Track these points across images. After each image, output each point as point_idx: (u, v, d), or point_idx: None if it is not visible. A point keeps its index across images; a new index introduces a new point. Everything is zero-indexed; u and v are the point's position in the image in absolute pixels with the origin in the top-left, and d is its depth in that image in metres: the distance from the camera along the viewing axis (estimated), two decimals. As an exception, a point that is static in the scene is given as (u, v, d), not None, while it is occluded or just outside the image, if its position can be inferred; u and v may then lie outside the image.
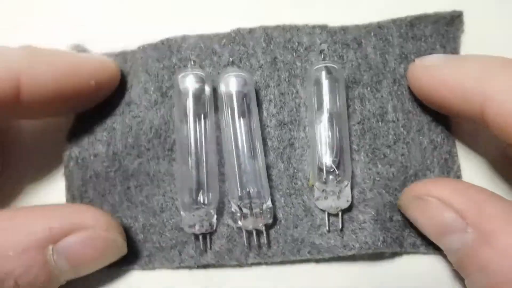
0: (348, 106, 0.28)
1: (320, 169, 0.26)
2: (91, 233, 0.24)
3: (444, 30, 0.30)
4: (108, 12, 0.32)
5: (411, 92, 0.28)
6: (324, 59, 0.28)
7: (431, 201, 0.24)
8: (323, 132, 0.26)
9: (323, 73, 0.27)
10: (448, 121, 0.29)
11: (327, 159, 0.26)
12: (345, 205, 0.26)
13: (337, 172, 0.26)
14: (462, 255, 0.22)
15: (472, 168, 0.28)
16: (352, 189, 0.27)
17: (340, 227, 0.26)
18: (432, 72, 0.26)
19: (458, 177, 0.28)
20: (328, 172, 0.26)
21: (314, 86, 0.27)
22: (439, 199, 0.23)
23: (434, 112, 0.28)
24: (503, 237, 0.21)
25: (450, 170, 0.28)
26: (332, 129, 0.26)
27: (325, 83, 0.27)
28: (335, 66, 0.27)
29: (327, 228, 0.26)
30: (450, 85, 0.25)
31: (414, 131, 0.28)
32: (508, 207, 0.22)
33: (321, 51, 0.28)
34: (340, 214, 0.26)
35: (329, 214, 0.27)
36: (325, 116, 0.26)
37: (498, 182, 0.28)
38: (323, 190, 0.26)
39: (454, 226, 0.23)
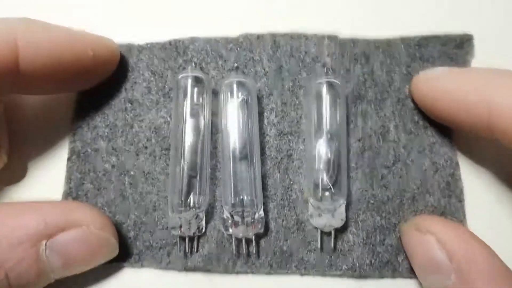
0: (350, 122, 0.28)
1: (316, 186, 0.26)
2: (85, 231, 0.24)
3: (453, 53, 0.30)
4: (113, 11, 0.32)
5: (414, 113, 0.29)
6: (326, 72, 0.28)
7: (428, 237, 0.24)
8: (321, 148, 0.26)
9: (325, 88, 0.27)
10: (452, 142, 0.28)
11: (323, 177, 0.26)
12: (339, 224, 0.26)
13: (333, 190, 0.26)
14: None
15: (475, 184, 0.28)
16: (346, 208, 0.27)
17: (333, 247, 0.27)
18: (435, 84, 0.26)
19: (460, 201, 0.28)
20: (324, 190, 0.26)
21: (315, 100, 0.27)
22: (436, 237, 0.24)
23: (437, 134, 0.28)
24: None
25: (451, 193, 0.28)
26: (331, 146, 0.26)
27: (326, 99, 0.27)
28: (338, 82, 0.27)
29: (319, 246, 0.27)
30: (453, 96, 0.25)
31: (415, 152, 0.28)
32: (497, 268, 0.22)
33: (324, 65, 0.29)
34: (333, 233, 0.27)
35: (322, 232, 0.27)
36: (324, 132, 0.26)
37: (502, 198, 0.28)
38: (317, 207, 0.26)
39: (440, 267, 0.23)
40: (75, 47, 0.26)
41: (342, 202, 0.26)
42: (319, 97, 0.27)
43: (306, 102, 0.29)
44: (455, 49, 0.30)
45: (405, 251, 0.26)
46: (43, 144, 0.30)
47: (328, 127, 0.26)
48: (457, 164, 0.28)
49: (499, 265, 0.23)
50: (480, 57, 0.30)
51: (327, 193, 0.26)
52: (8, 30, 0.24)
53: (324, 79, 0.27)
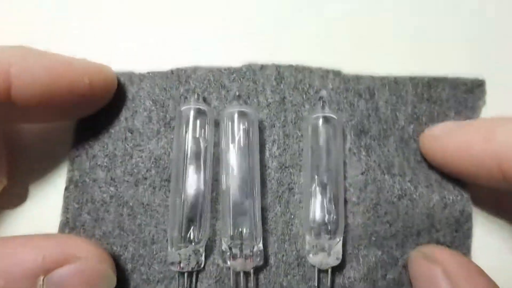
0: (353, 155, 0.29)
1: (312, 224, 0.27)
2: (84, 265, 0.25)
3: (463, 97, 0.30)
4: (114, 40, 0.34)
5: (417, 154, 0.29)
6: (323, 106, 0.29)
7: (434, 266, 0.25)
8: (317, 186, 0.27)
9: (321, 122, 0.28)
10: None
11: (319, 216, 0.27)
12: (335, 263, 0.27)
13: (329, 229, 0.26)
14: None
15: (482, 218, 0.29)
16: (346, 243, 0.28)
17: (330, 286, 0.27)
18: (441, 142, 0.27)
19: (467, 237, 0.28)
20: (320, 228, 0.27)
21: (311, 134, 0.28)
22: (442, 268, 0.25)
23: None
24: None
25: (459, 230, 0.28)
26: (327, 183, 0.27)
27: (322, 133, 0.28)
28: (334, 116, 0.28)
29: (316, 284, 0.27)
30: (461, 153, 0.26)
31: (422, 187, 0.29)
32: None
33: (320, 98, 0.29)
34: (329, 271, 0.27)
35: (319, 270, 0.27)
36: (320, 170, 0.27)
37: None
38: (313, 246, 0.27)
39: None
40: (71, 75, 0.27)
41: (338, 240, 0.27)
42: (315, 131, 0.28)
43: (304, 137, 0.30)
44: (465, 93, 0.30)
45: (410, 278, 0.27)
46: (43, 169, 0.31)
47: (324, 162, 0.27)
48: (468, 200, 0.29)
49: None
50: (492, 104, 0.30)
51: (323, 232, 0.27)
52: (1, 58, 0.25)
53: (320, 114, 0.28)
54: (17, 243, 0.25)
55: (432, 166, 0.29)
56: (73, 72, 0.27)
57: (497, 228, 0.29)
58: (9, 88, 0.25)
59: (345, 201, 0.28)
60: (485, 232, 0.29)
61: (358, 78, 0.31)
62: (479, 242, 0.29)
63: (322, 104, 0.29)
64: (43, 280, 0.24)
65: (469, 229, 0.28)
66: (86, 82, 0.27)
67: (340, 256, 0.27)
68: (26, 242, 0.25)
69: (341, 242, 0.27)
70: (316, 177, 0.27)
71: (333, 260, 0.27)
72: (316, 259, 0.27)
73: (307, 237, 0.27)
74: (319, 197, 0.27)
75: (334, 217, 0.27)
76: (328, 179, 0.27)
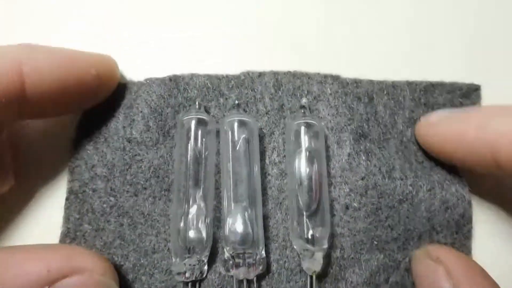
0: (353, 160, 0.30)
1: (296, 230, 0.27)
2: (88, 277, 0.25)
3: (459, 102, 0.31)
4: (111, 47, 0.33)
5: (418, 155, 0.30)
6: (304, 114, 0.29)
7: (437, 265, 0.25)
8: (300, 195, 0.27)
9: (303, 128, 0.28)
10: (462, 179, 0.30)
11: (303, 221, 0.27)
12: (317, 267, 0.27)
13: (312, 233, 0.27)
14: None
15: (481, 220, 0.30)
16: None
17: None
18: (436, 129, 0.28)
19: (467, 238, 0.29)
20: (305, 233, 0.27)
21: (293, 140, 0.28)
22: (445, 267, 0.25)
23: (445, 171, 0.30)
24: None
25: (459, 231, 0.29)
26: (311, 188, 0.27)
27: (304, 139, 0.28)
28: (315, 123, 0.28)
29: None
30: (455, 140, 0.27)
31: (424, 190, 0.29)
32: None
33: (302, 107, 0.30)
34: (314, 277, 0.27)
35: (311, 277, 0.28)
36: (303, 178, 0.28)
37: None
38: (301, 252, 0.27)
39: None
40: (79, 68, 0.28)
41: (325, 246, 0.27)
42: (297, 137, 0.28)
43: (286, 144, 0.30)
44: (461, 98, 0.31)
45: (413, 277, 0.27)
46: (47, 169, 0.31)
47: (306, 167, 0.28)
48: (469, 202, 0.29)
49: None
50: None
51: (308, 235, 0.27)
52: (12, 58, 0.26)
53: (302, 120, 0.29)
54: (22, 254, 0.25)
55: (429, 155, 0.30)
56: (80, 65, 0.28)
57: (497, 229, 0.30)
58: (23, 86, 0.26)
59: (346, 207, 0.29)
60: (485, 232, 0.29)
61: (356, 82, 0.31)
62: (479, 243, 0.29)
63: (304, 112, 0.29)
64: None
65: (469, 231, 0.29)
66: (94, 74, 0.28)
67: (321, 262, 0.27)
68: (31, 253, 0.25)
69: (326, 247, 0.27)
70: (299, 186, 0.28)
71: (317, 265, 0.27)
72: (304, 265, 0.28)
73: (293, 242, 0.28)
74: (302, 205, 0.27)
75: (319, 217, 0.27)
76: (312, 185, 0.28)
